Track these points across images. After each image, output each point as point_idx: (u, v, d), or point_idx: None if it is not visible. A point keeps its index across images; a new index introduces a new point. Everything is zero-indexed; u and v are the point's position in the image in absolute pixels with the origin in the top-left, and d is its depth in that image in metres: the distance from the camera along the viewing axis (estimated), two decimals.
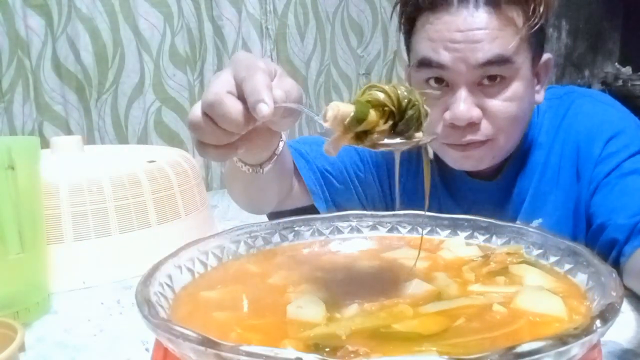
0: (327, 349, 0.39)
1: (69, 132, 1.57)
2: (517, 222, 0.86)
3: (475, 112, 0.74)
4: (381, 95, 0.42)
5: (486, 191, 0.88)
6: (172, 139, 1.70)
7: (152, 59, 1.65)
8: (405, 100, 0.43)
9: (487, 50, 0.72)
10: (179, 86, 1.70)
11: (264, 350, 0.31)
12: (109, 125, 1.64)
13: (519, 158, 0.87)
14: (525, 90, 0.77)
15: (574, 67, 2.87)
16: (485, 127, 0.76)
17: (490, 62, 0.73)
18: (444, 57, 0.73)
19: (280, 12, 1.85)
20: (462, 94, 0.74)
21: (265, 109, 0.45)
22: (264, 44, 1.83)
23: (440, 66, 0.74)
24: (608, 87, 2.71)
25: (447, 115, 0.75)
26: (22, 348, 0.51)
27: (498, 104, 0.75)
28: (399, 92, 0.43)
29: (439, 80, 0.76)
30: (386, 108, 0.43)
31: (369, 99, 0.42)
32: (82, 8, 1.55)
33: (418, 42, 0.77)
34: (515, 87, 0.75)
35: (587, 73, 2.92)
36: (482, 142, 0.77)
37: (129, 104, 1.65)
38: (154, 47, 1.64)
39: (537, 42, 0.77)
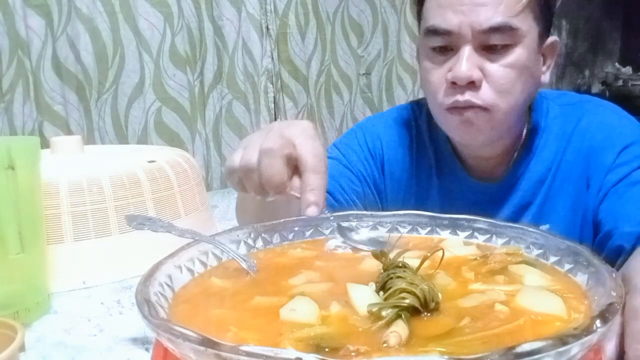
0: (327, 349, 0.38)
1: (69, 132, 1.57)
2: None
3: (476, 73, 0.75)
4: (416, 302, 0.44)
5: (488, 193, 0.88)
6: (172, 139, 1.69)
7: (152, 59, 1.65)
8: (431, 299, 0.45)
9: (491, 16, 0.73)
10: (179, 86, 1.69)
11: (264, 350, 0.31)
12: (109, 125, 1.63)
13: (524, 158, 0.86)
14: (529, 60, 0.77)
15: (574, 67, 2.87)
16: (485, 92, 0.76)
17: (493, 29, 0.74)
18: (451, 21, 0.75)
19: (281, 12, 1.85)
20: (465, 53, 0.75)
21: (315, 212, 0.56)
22: (264, 43, 1.83)
23: (447, 33, 0.76)
24: (608, 87, 2.71)
25: (449, 75, 0.76)
26: (22, 348, 0.51)
27: (499, 68, 0.76)
28: (426, 295, 0.45)
29: (444, 47, 0.77)
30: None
31: (405, 306, 0.44)
32: (82, 8, 1.55)
33: (428, 9, 0.79)
34: (518, 54, 0.76)
35: (587, 73, 2.92)
36: (481, 109, 0.77)
37: (129, 104, 1.64)
38: (154, 47, 1.64)
39: (544, 18, 0.78)
